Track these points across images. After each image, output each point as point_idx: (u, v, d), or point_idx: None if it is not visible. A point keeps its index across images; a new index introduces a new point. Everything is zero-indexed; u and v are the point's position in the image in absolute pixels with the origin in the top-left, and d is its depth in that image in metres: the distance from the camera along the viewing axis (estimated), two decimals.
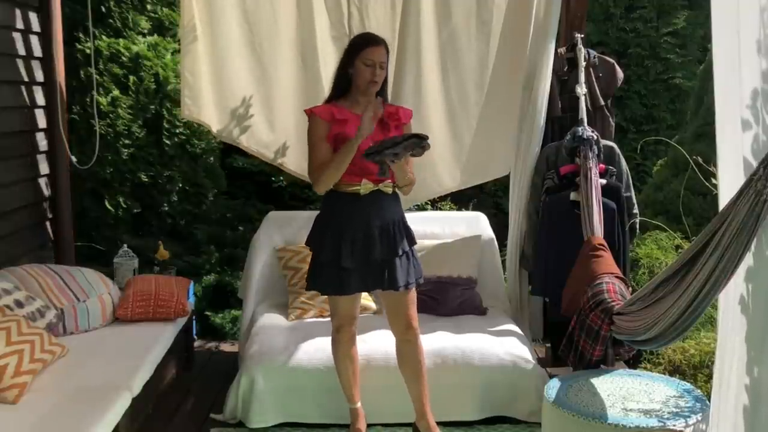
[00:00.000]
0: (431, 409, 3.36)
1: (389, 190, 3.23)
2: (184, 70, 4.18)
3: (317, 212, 3.35)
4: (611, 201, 3.83)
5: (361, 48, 3.16)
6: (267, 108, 4.32)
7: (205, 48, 4.17)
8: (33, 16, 4.30)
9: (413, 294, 3.29)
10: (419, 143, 3.01)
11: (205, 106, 4.22)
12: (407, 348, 3.31)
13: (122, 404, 2.96)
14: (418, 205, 4.91)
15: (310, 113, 3.21)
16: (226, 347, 4.81)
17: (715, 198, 2.24)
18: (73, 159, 4.42)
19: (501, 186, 5.78)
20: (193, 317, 4.48)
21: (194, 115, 4.24)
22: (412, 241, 3.28)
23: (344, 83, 3.22)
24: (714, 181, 2.46)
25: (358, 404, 3.42)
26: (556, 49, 4.08)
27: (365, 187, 3.16)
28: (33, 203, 4.34)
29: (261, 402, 3.53)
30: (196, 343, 4.68)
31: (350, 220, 3.16)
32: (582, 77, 4.07)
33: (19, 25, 4.17)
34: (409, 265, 3.23)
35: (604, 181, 3.85)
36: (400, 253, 3.19)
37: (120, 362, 3.27)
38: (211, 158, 5.47)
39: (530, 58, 4.12)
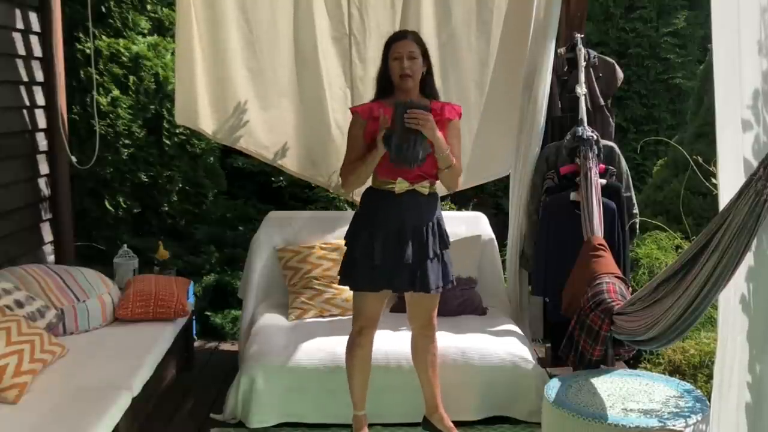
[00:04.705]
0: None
1: (425, 190, 3.20)
2: (179, 77, 4.17)
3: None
4: (611, 201, 3.83)
5: (388, 46, 3.22)
6: (266, 109, 4.31)
7: (202, 51, 4.17)
8: (33, 16, 4.30)
9: (439, 296, 3.32)
10: (404, 109, 3.00)
11: (201, 110, 4.21)
12: (424, 341, 3.38)
13: (122, 404, 2.96)
14: None
15: (353, 111, 3.27)
16: (226, 347, 4.81)
17: (715, 198, 2.23)
18: (73, 159, 4.42)
19: (501, 186, 5.77)
20: (193, 317, 4.48)
21: (190, 121, 4.24)
22: (444, 244, 3.25)
23: (385, 83, 3.25)
24: (714, 181, 2.46)
25: (364, 411, 3.39)
26: (556, 49, 4.08)
27: (400, 185, 3.16)
28: (33, 203, 4.34)
29: (261, 402, 3.53)
30: (196, 343, 4.68)
31: (384, 217, 3.17)
32: (582, 77, 4.07)
33: (19, 25, 4.17)
34: (441, 268, 3.23)
35: (604, 181, 3.85)
36: (432, 255, 3.18)
37: (120, 362, 3.27)
38: (211, 158, 5.47)
39: (530, 58, 4.12)
